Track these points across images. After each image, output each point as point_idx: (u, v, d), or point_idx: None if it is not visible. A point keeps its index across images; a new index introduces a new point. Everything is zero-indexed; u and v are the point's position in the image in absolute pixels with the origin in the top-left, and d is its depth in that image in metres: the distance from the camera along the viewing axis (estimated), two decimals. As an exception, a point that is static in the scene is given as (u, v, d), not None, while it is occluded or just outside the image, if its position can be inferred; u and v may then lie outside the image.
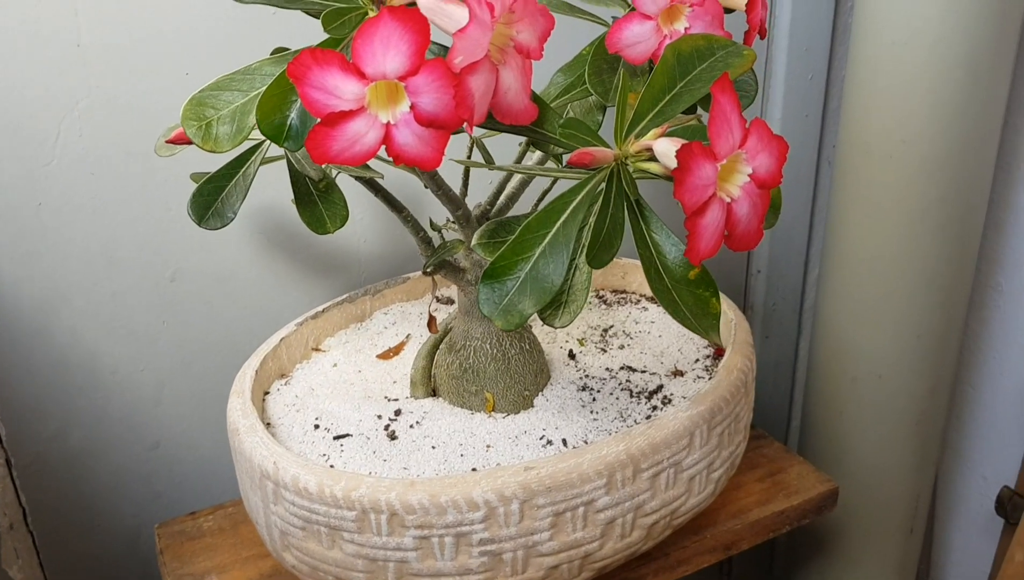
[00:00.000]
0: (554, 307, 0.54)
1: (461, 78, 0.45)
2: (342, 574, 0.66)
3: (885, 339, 1.02)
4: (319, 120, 0.44)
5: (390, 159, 0.47)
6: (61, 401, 0.84)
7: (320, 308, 0.85)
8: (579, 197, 0.53)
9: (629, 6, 0.70)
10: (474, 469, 0.68)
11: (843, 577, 1.16)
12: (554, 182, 0.74)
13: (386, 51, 0.43)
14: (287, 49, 0.67)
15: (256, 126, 0.52)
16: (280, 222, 0.87)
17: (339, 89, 0.43)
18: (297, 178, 0.62)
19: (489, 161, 0.71)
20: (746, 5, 0.65)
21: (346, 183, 0.69)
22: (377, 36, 0.43)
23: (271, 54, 0.66)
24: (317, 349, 0.85)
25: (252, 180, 0.63)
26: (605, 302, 0.95)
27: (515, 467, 0.64)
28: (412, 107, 0.45)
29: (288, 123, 0.48)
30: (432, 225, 0.75)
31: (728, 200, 0.47)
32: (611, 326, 0.89)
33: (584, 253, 0.52)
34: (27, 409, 0.83)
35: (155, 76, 0.78)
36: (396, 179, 0.83)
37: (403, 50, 0.43)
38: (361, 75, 0.43)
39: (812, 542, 1.17)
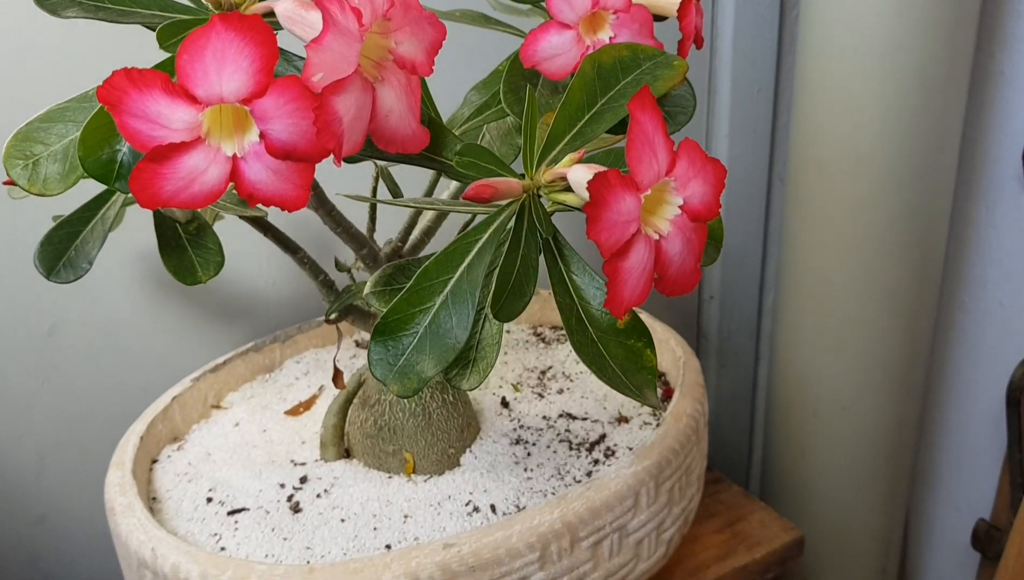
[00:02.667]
0: (460, 366, 0.46)
1: (324, 99, 0.36)
2: (235, 677, 0.56)
3: (847, 368, 0.95)
4: (144, 155, 0.36)
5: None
6: (-74, 476, 0.74)
7: (221, 359, 0.76)
8: (486, 235, 0.45)
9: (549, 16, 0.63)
10: (388, 546, 0.59)
11: (813, 620, 1.09)
12: (472, 219, 0.65)
13: (221, 68, 0.34)
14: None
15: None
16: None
17: (164, 116, 0.35)
18: (161, 221, 0.53)
19: (396, 193, 0.63)
20: (678, 11, 0.57)
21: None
22: (209, 50, 0.34)
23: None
24: (217, 406, 0.75)
25: (112, 224, 0.54)
26: (544, 340, 0.87)
27: (433, 545, 0.55)
28: (262, 136, 0.36)
29: (119, 160, 0.40)
30: (339, 265, 0.67)
31: (656, 237, 0.39)
32: (550, 367, 0.81)
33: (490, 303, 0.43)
34: None
35: (15, 103, 0.69)
36: (295, 214, 0.74)
37: (243, 67, 0.35)
38: (192, 99, 0.35)
39: (779, 585, 1.10)
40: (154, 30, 0.42)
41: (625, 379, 0.45)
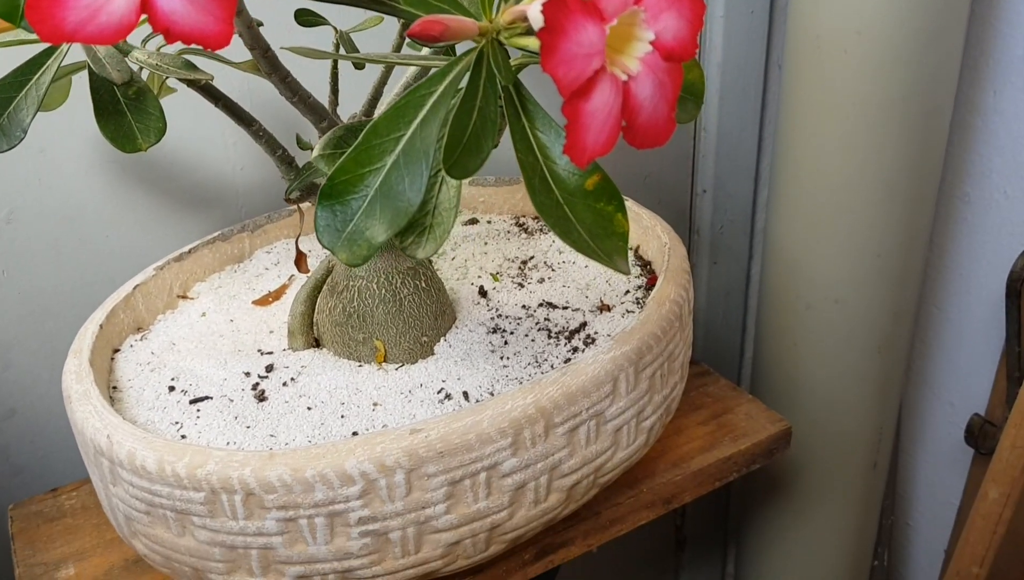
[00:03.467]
0: (416, 233, 0.43)
1: (244, -85, 0.32)
2: (199, 564, 0.55)
3: (842, 260, 0.92)
4: (41, -22, 0.31)
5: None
6: None
7: (186, 248, 0.73)
8: (440, 88, 0.41)
9: None
10: (355, 433, 0.57)
11: (804, 517, 1.08)
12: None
13: None
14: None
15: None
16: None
17: (58, -70, 0.31)
18: (98, 85, 0.49)
19: (358, 63, 0.58)
20: None
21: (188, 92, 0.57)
22: None
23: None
24: (184, 297, 0.72)
25: (47, 90, 0.50)
26: (526, 230, 0.83)
27: (399, 430, 0.53)
28: (175, -42, 0.32)
29: (24, -8, 0.35)
30: (300, 143, 0.63)
31: (624, 77, 0.35)
32: (531, 257, 0.78)
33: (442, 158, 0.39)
34: None
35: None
36: (263, 89, 0.70)
37: None
38: (88, -92, 0.30)
39: (769, 482, 1.09)
40: None
41: (593, 244, 0.41)
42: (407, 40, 0.58)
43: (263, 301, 0.71)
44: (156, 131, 0.49)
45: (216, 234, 0.75)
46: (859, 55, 0.84)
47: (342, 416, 0.59)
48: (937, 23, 0.83)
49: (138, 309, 0.69)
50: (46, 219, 0.73)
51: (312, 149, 0.64)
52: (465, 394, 0.60)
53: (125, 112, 0.49)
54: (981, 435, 0.99)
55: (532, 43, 0.40)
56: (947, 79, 0.88)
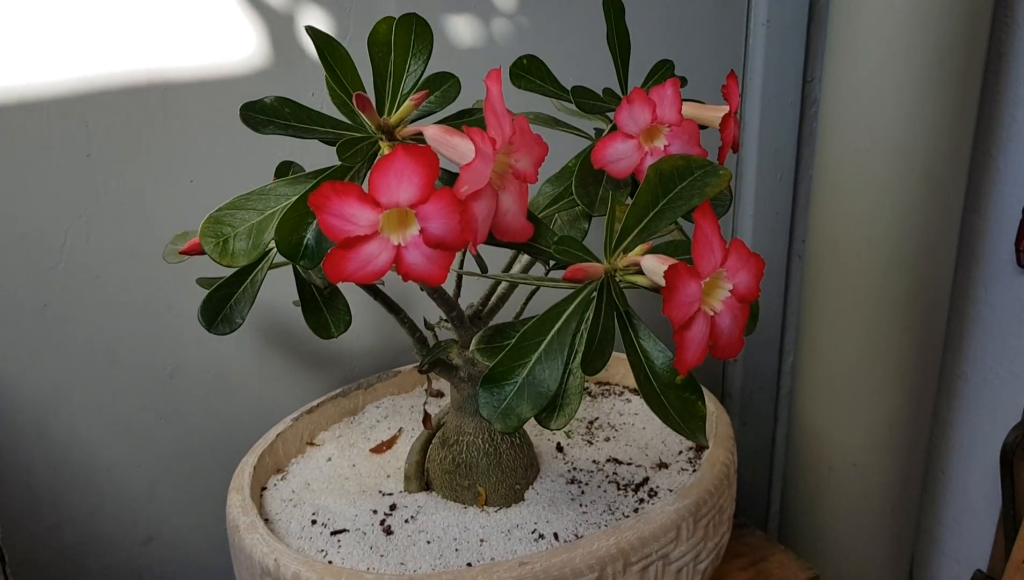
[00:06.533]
0: (549, 410, 0.57)
1: (466, 205, 0.49)
2: (340, 670, 0.67)
3: (859, 429, 1.06)
4: (336, 243, 0.48)
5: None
6: (56, 498, 0.85)
7: (315, 402, 0.88)
8: (571, 307, 0.57)
9: (609, 121, 0.76)
10: (469, 564, 0.70)
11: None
12: (537, 288, 0.78)
13: (399, 183, 0.47)
14: (292, 163, 0.71)
15: (270, 242, 0.56)
16: (275, 319, 0.90)
17: (356, 217, 0.47)
18: (303, 286, 0.66)
19: (483, 268, 0.75)
20: (720, 124, 0.70)
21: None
22: (392, 170, 0.47)
23: (277, 170, 0.71)
24: (311, 443, 0.87)
25: (259, 287, 0.66)
26: (590, 394, 0.98)
27: (510, 563, 0.66)
28: (421, 231, 0.49)
29: (304, 242, 0.52)
30: (426, 324, 0.79)
31: (711, 313, 0.51)
32: (596, 418, 0.93)
33: (578, 359, 0.55)
34: (23, 506, 0.84)
35: (161, 184, 0.82)
36: (393, 280, 0.87)
37: (415, 182, 0.47)
38: (376, 204, 0.47)
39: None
40: (329, 144, 0.55)
41: (682, 424, 0.56)
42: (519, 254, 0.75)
43: (378, 449, 0.86)
44: (344, 323, 0.65)
45: (338, 391, 0.90)
46: (870, 258, 1.01)
47: (456, 549, 0.72)
48: (936, 234, 1.01)
49: (278, 454, 0.83)
50: (202, 375, 0.88)
51: (433, 328, 0.80)
52: (555, 535, 0.73)
53: (322, 308, 0.65)
54: (986, 590, 1.10)
55: (640, 280, 0.56)
56: (944, 278, 1.05)
